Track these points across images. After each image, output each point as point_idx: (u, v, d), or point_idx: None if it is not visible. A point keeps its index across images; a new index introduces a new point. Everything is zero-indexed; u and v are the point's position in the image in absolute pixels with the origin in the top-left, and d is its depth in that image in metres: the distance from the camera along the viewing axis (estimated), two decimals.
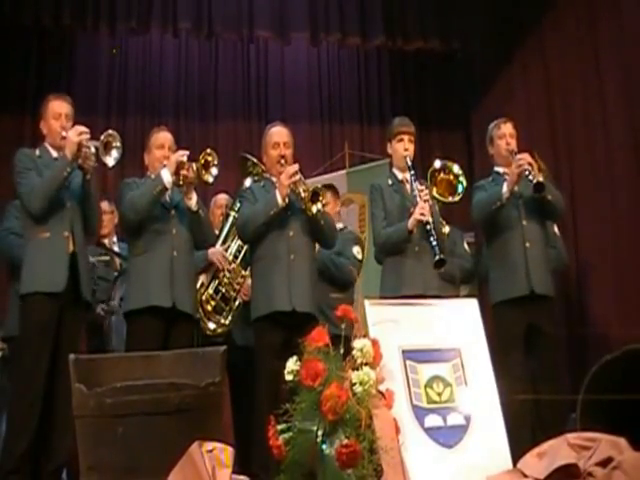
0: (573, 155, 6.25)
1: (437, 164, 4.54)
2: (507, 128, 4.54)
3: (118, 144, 4.00)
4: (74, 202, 4.01)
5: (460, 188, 4.46)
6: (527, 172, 4.23)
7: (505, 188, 4.32)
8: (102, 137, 3.97)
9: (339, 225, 5.23)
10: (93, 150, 3.93)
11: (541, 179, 4.21)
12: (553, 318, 4.48)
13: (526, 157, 4.29)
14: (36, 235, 3.93)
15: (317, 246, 4.50)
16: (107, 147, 3.97)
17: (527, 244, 4.34)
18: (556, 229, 5.20)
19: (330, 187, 5.33)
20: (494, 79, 7.32)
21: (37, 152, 4.07)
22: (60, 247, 3.91)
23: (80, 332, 4.15)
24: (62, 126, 4.03)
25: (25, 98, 7.02)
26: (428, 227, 4.16)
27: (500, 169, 4.54)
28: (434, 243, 4.11)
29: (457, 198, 4.47)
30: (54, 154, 4.05)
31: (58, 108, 4.08)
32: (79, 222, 4.01)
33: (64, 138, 3.96)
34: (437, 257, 4.08)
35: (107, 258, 5.20)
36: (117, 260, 5.22)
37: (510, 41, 7.08)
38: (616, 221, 5.65)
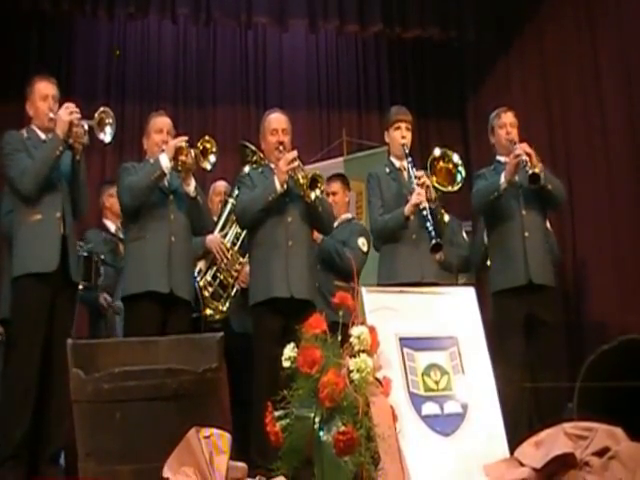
0: (570, 144, 6.25)
1: (437, 152, 4.53)
2: (507, 117, 4.53)
3: (111, 120, 3.97)
4: (64, 183, 3.96)
5: (459, 177, 4.45)
6: (525, 163, 4.20)
7: (502, 178, 4.31)
8: (96, 115, 3.94)
9: (347, 215, 5.24)
10: (86, 128, 3.89)
11: (537, 170, 4.17)
12: (552, 307, 4.48)
13: (524, 147, 4.26)
14: (28, 217, 3.87)
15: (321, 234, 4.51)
16: (101, 124, 3.94)
17: (526, 234, 4.33)
18: (548, 224, 5.19)
19: (340, 176, 5.32)
20: (491, 67, 7.30)
21: (25, 134, 4.01)
22: (52, 229, 3.87)
23: (73, 315, 4.12)
24: (49, 107, 3.98)
25: (25, 84, 6.96)
26: (424, 212, 4.13)
27: (502, 158, 4.52)
28: (430, 228, 4.07)
29: (456, 188, 4.45)
30: (42, 136, 3.99)
31: (45, 89, 4.03)
32: (69, 204, 3.98)
33: (52, 120, 3.92)
34: (433, 241, 4.05)
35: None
36: (121, 246, 5.21)
37: (507, 29, 7.07)
38: (614, 211, 5.65)
